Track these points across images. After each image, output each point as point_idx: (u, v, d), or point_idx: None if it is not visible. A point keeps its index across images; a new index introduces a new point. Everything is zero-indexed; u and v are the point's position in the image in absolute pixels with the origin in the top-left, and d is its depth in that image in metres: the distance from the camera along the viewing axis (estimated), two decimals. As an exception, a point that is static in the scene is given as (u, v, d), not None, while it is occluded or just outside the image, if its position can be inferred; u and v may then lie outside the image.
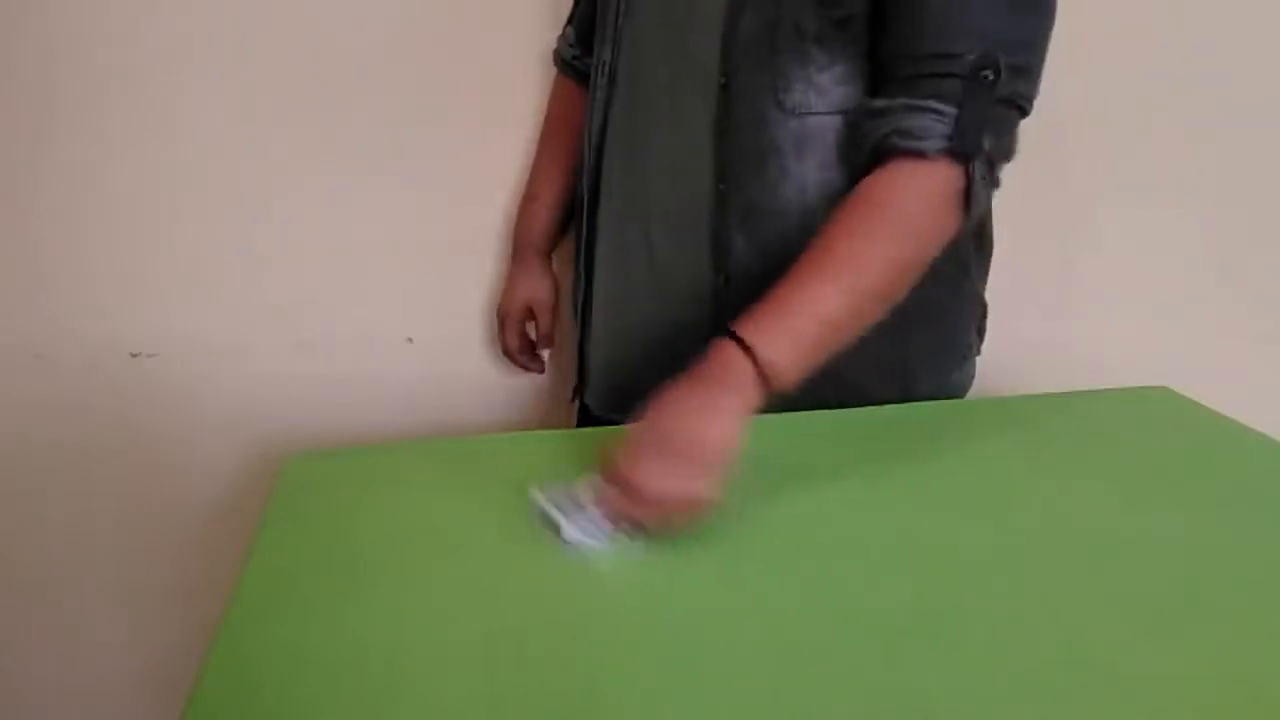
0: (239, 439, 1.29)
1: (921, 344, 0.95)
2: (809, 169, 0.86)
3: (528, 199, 1.20)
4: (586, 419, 1.13)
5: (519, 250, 1.20)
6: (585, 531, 0.71)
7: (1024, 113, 0.80)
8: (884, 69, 0.82)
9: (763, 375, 0.73)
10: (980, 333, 1.04)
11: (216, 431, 1.28)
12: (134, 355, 1.24)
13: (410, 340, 1.29)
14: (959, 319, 0.99)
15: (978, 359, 1.04)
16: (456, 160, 1.23)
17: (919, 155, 0.78)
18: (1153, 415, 0.93)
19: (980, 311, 1.03)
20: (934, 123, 0.77)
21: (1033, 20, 0.79)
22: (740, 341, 0.73)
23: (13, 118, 1.14)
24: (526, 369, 1.24)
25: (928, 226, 0.80)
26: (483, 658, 0.58)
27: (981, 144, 0.78)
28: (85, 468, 1.27)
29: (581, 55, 1.12)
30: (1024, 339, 1.23)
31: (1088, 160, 1.24)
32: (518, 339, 1.21)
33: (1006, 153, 0.80)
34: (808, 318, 0.75)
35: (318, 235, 1.24)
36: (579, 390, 1.13)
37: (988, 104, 0.77)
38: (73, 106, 1.15)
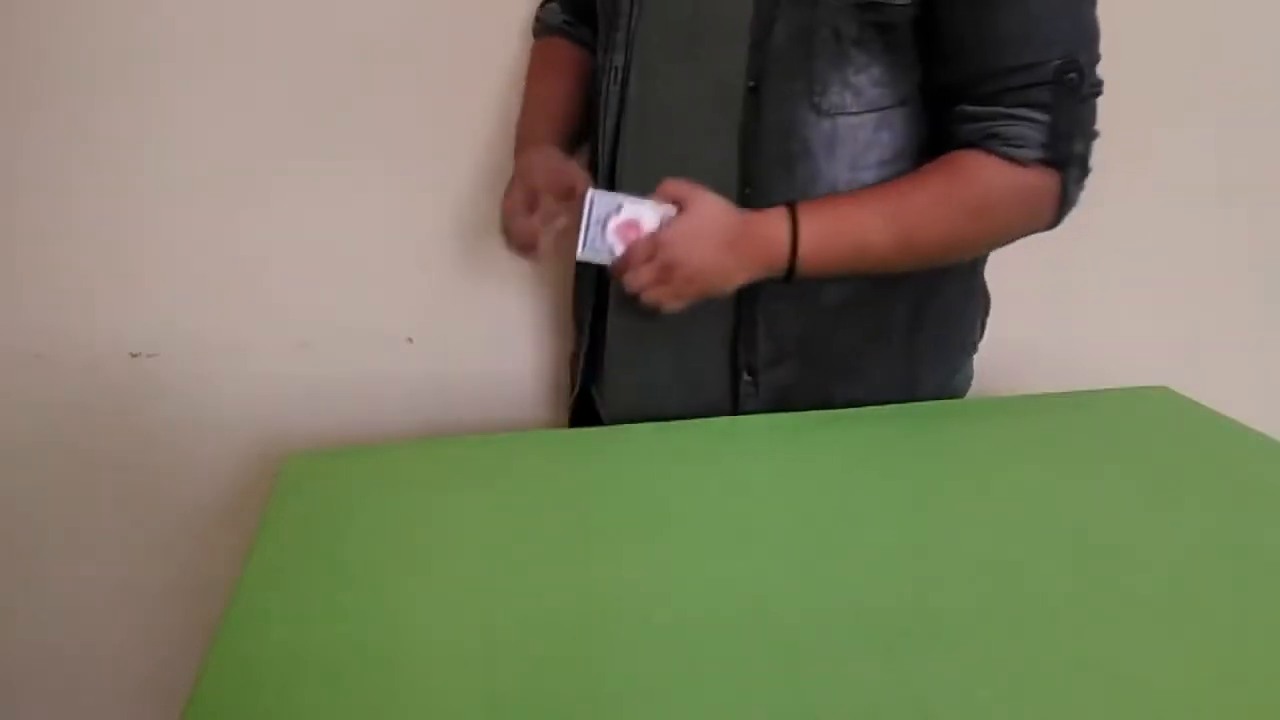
0: (239, 439, 1.29)
1: (930, 340, 0.96)
2: (840, 169, 0.86)
3: (529, 115, 1.06)
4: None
5: (527, 142, 1.01)
6: (595, 248, 0.86)
7: (1100, 93, 0.84)
8: (965, 89, 0.84)
9: (791, 262, 0.84)
10: (982, 327, 1.04)
11: (216, 431, 1.28)
12: (134, 355, 1.24)
13: (410, 340, 1.29)
14: (967, 316, 1.00)
15: (977, 359, 1.04)
16: (456, 160, 1.23)
17: (1015, 161, 0.82)
18: (1153, 415, 0.93)
19: (985, 306, 1.03)
20: (1029, 130, 0.81)
21: (1092, 10, 0.82)
22: (794, 235, 0.83)
23: (12, 118, 1.14)
24: (528, 238, 0.91)
25: (1004, 220, 0.86)
26: (483, 658, 0.58)
27: (1074, 150, 0.83)
28: (85, 468, 1.27)
29: (574, 23, 1.10)
30: (1024, 339, 1.23)
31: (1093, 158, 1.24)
32: (545, 178, 0.91)
33: (1093, 138, 0.85)
34: (856, 247, 0.85)
35: (318, 235, 1.23)
36: (574, 404, 1.10)
37: (1075, 105, 0.82)
38: (72, 106, 1.15)
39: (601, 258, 0.86)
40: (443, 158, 1.23)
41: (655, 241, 0.83)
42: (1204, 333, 1.40)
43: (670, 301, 0.85)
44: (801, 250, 0.83)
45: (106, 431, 1.26)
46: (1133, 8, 1.13)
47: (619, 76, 0.94)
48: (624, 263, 0.85)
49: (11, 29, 1.11)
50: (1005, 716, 0.53)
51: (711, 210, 0.84)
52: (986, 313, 1.04)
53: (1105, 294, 1.38)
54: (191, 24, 1.14)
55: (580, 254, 0.87)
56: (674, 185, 0.84)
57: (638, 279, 0.84)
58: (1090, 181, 0.89)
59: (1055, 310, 1.37)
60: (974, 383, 1.04)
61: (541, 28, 1.14)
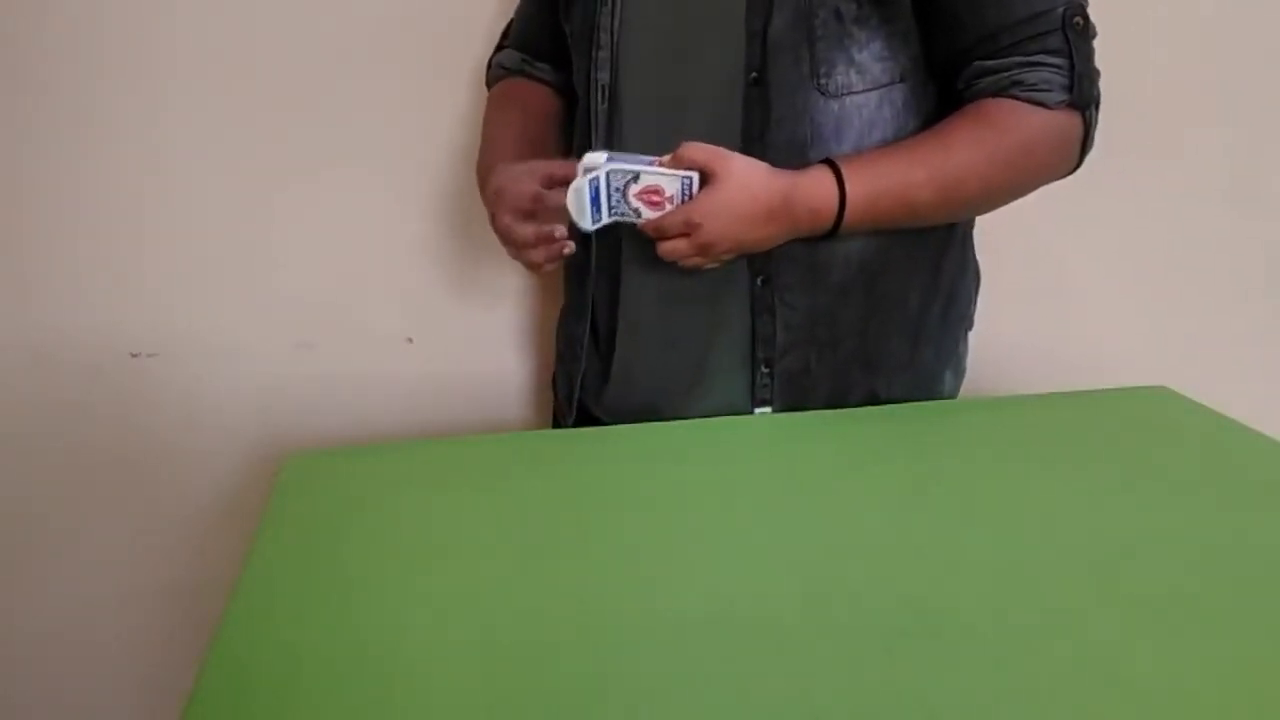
0: (239, 439, 1.29)
1: (935, 317, 0.96)
2: (846, 150, 0.87)
3: (489, 150, 1.02)
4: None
5: (492, 170, 0.94)
6: (621, 211, 0.84)
7: (1096, 34, 0.85)
8: (976, 48, 0.85)
9: (834, 226, 0.84)
10: (975, 302, 1.04)
11: (216, 431, 1.28)
12: (134, 355, 1.24)
13: (410, 340, 1.29)
14: (964, 289, 1.00)
15: (977, 359, 1.04)
16: (457, 160, 1.23)
17: (1041, 105, 0.83)
18: (1153, 415, 0.93)
19: (977, 280, 1.03)
20: (1052, 75, 0.83)
21: None
22: (841, 188, 0.83)
23: (12, 118, 1.14)
24: (542, 245, 0.88)
25: (1039, 163, 0.87)
26: (482, 658, 0.58)
27: (1095, 93, 0.85)
28: (85, 468, 1.27)
29: (531, 62, 1.09)
30: (1022, 339, 1.23)
31: (1088, 159, 1.24)
32: (534, 189, 0.87)
33: (1099, 77, 0.86)
34: (901, 203, 0.85)
35: (317, 235, 1.24)
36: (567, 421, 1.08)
37: (1087, 49, 0.84)
38: (71, 106, 1.15)
39: (628, 219, 0.85)
40: (442, 158, 1.23)
41: (688, 216, 0.82)
42: (1204, 333, 1.40)
43: (705, 266, 0.86)
44: (848, 213, 0.84)
45: (106, 431, 1.26)
46: (1134, 8, 1.14)
47: (606, 94, 0.93)
48: (655, 230, 0.84)
49: (14, 30, 1.11)
50: (1006, 716, 0.53)
51: (746, 180, 0.82)
52: (978, 288, 1.04)
53: (1105, 293, 1.38)
54: (192, 27, 1.15)
55: (604, 220, 0.85)
56: (696, 151, 0.82)
57: (673, 250, 0.84)
58: (1091, 180, 0.90)
59: (1054, 310, 1.37)
60: (973, 383, 1.04)
61: (500, 71, 1.11)
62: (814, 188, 0.84)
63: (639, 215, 0.84)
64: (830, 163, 0.84)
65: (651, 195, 0.83)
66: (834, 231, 0.85)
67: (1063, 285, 1.38)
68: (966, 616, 0.62)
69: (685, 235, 0.83)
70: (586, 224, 0.85)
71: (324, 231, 1.23)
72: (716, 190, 0.82)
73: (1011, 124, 0.84)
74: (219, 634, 0.61)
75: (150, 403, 1.26)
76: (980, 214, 0.95)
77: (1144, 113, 1.26)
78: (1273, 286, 1.41)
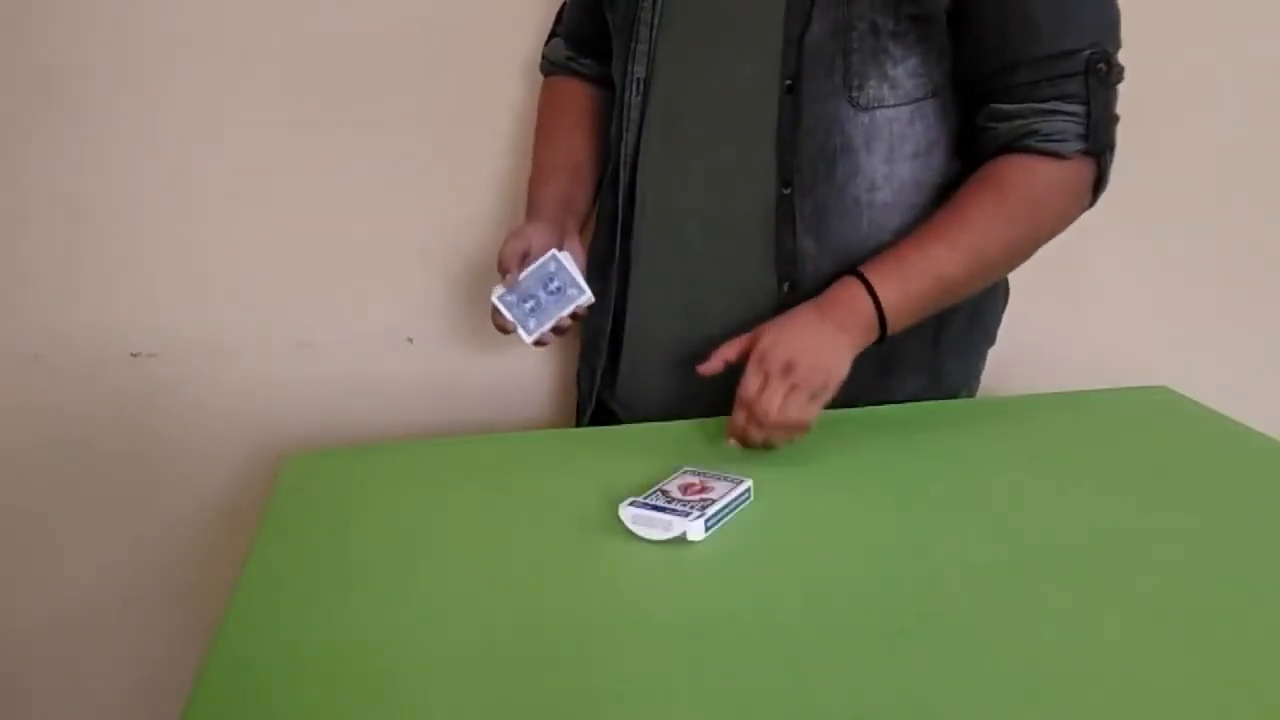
0: (239, 439, 1.29)
1: (960, 331, 0.96)
2: (877, 163, 0.87)
3: (544, 181, 1.04)
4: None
5: (532, 209, 1.02)
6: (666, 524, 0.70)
7: (1123, 79, 0.86)
8: (996, 77, 0.85)
9: (881, 318, 0.83)
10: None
11: (216, 431, 1.28)
12: (134, 355, 1.24)
13: (410, 340, 1.29)
14: (993, 306, 1.00)
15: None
16: (457, 160, 1.23)
17: (1056, 156, 0.83)
18: (1153, 415, 0.94)
19: (1006, 296, 1.03)
20: (1067, 124, 0.83)
21: (1116, 2, 0.85)
22: (867, 285, 0.83)
23: (12, 118, 1.14)
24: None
25: (1054, 214, 0.88)
26: (482, 658, 0.58)
27: (1111, 139, 0.85)
28: (85, 468, 1.27)
29: (576, 57, 1.09)
30: (1025, 340, 1.23)
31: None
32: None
33: (1117, 121, 0.87)
34: (930, 277, 0.84)
35: (318, 235, 1.23)
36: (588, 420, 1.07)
37: (1106, 94, 0.84)
38: (72, 107, 1.15)
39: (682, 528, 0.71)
40: (443, 158, 1.23)
41: (759, 357, 0.80)
42: (1204, 333, 1.40)
43: (807, 411, 0.80)
44: (884, 300, 0.83)
45: (106, 432, 1.26)
46: (1136, 8, 1.14)
47: (640, 88, 0.94)
48: (742, 412, 0.80)
49: (14, 31, 1.11)
50: (1005, 716, 0.53)
51: (783, 315, 0.84)
52: (1005, 306, 1.04)
53: (1106, 294, 1.38)
54: (192, 27, 1.15)
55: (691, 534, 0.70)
56: (731, 346, 0.83)
57: (770, 402, 0.79)
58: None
59: (1055, 311, 1.37)
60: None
61: (547, 65, 1.13)
62: (841, 288, 0.84)
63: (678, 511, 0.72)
64: (850, 269, 0.85)
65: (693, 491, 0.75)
66: (884, 326, 0.83)
67: (1064, 286, 1.37)
68: (966, 616, 0.62)
69: (766, 378, 0.80)
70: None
71: (324, 231, 1.23)
72: (767, 330, 0.82)
73: (1024, 181, 0.85)
74: (219, 634, 0.61)
75: (150, 403, 1.26)
76: (1013, 269, 0.93)
77: (1148, 114, 1.26)
78: (1274, 288, 1.41)
